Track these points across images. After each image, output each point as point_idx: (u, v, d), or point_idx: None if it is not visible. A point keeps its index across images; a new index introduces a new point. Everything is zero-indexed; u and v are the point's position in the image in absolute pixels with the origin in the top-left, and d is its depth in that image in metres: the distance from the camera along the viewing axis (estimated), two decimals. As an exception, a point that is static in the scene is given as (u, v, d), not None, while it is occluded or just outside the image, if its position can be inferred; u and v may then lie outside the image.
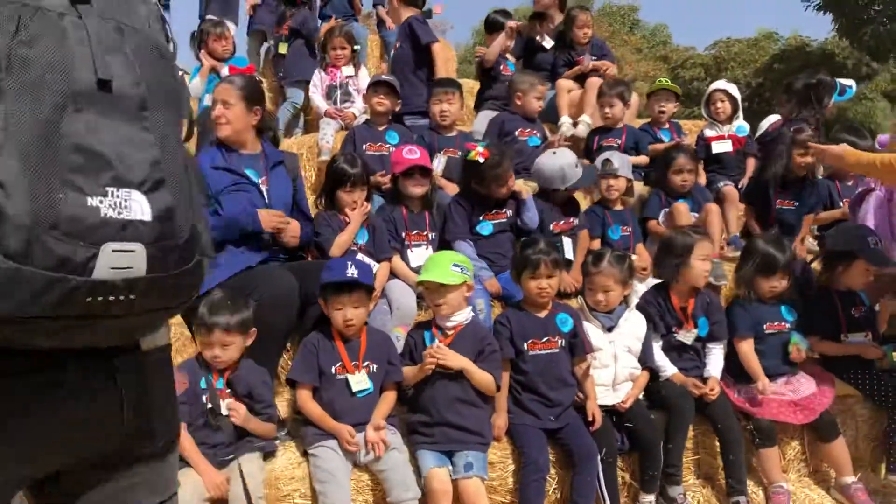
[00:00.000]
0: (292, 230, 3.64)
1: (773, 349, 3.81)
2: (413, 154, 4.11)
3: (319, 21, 7.18)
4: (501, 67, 5.93)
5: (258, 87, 3.84)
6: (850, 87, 5.78)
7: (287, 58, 6.59)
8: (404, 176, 4.11)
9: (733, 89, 5.68)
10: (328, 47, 5.86)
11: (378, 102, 4.85)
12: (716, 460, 3.67)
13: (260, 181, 3.65)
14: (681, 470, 3.51)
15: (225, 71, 5.38)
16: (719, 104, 5.58)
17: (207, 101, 5.39)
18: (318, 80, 5.85)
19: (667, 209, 4.75)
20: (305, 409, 3.11)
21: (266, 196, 3.63)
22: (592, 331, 3.57)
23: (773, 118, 5.96)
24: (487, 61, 5.95)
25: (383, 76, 4.97)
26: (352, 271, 3.13)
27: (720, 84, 5.77)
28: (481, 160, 4.06)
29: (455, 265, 3.18)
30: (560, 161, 4.35)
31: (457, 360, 3.14)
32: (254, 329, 3.07)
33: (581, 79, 5.99)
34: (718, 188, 5.22)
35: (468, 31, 36.94)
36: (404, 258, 4.05)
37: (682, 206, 4.67)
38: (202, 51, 5.66)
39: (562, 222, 4.36)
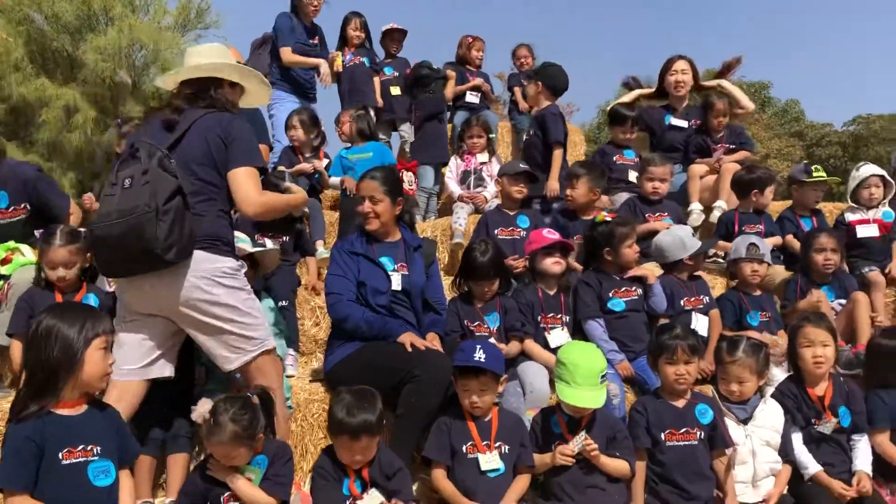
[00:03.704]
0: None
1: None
2: (553, 234, 4.25)
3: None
4: (616, 157, 5.86)
5: (398, 178, 4.04)
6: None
7: (415, 143, 6.83)
8: (545, 254, 4.20)
9: (887, 175, 5.40)
10: (465, 136, 6.12)
11: (518, 191, 5.02)
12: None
13: (395, 267, 3.77)
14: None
15: None
16: (874, 189, 5.29)
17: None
18: (454, 166, 6.12)
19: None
20: (439, 487, 3.18)
21: (393, 282, 3.72)
22: (726, 423, 3.46)
23: None
24: None
25: (521, 165, 5.14)
26: (479, 355, 3.18)
27: (875, 169, 5.37)
28: (609, 219, 4.22)
29: (602, 376, 3.22)
30: (678, 232, 4.52)
31: (604, 459, 3.14)
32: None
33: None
34: (863, 273, 5.00)
35: (594, 110, 37.15)
36: (542, 340, 4.07)
37: (819, 294, 4.52)
38: None
39: (692, 298, 4.36)
